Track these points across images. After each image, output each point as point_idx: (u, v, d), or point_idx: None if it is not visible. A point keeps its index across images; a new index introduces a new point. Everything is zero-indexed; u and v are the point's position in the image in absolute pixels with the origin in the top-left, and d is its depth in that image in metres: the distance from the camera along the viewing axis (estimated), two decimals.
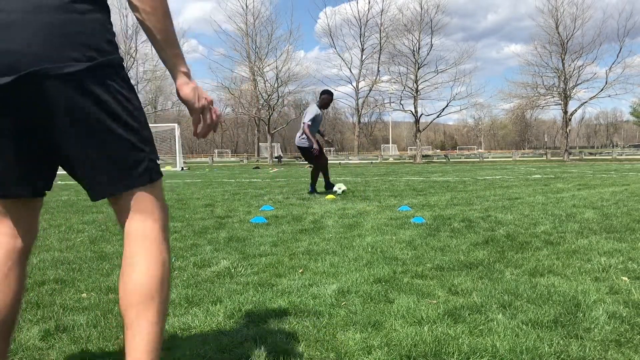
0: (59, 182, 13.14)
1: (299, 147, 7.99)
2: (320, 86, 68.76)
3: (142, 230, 1.26)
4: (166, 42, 1.26)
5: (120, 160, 1.22)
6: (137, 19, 1.25)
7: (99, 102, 1.16)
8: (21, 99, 1.10)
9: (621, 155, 45.49)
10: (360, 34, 48.79)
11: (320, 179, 9.20)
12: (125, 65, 1.28)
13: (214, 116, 1.34)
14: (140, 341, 1.19)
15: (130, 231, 1.26)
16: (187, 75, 1.30)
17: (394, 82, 42.86)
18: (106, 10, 1.23)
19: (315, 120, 7.79)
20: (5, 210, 1.28)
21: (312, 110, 7.84)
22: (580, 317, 2.13)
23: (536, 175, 13.69)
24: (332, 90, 8.25)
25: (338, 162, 36.32)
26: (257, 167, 27.57)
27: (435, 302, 2.39)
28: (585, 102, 39.85)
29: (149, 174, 1.28)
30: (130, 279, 1.22)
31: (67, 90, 1.12)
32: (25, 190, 1.27)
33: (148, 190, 1.28)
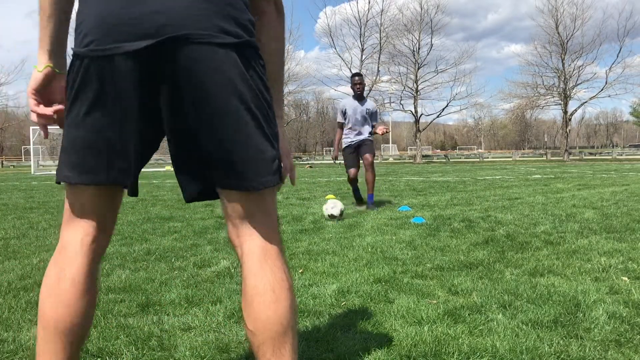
0: (59, 183, 13.13)
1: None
2: (320, 86, 68.66)
3: (263, 245, 1.12)
4: (278, 81, 1.23)
5: (258, 151, 1.08)
6: (271, 44, 1.19)
7: (245, 82, 1.05)
8: (158, 66, 1.01)
9: (621, 155, 45.50)
10: (360, 34, 48.74)
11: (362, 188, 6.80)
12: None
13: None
14: None
15: (252, 247, 1.12)
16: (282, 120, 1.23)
17: (394, 82, 42.86)
18: None
19: (346, 114, 6.49)
20: (94, 202, 1.15)
21: (341, 105, 6.69)
22: (580, 317, 2.13)
23: (536, 175, 13.69)
24: (358, 73, 6.74)
25: (338, 162, 36.13)
26: None
27: (435, 302, 2.39)
28: (585, 102, 39.90)
29: (279, 174, 1.14)
30: (260, 309, 1.08)
31: (212, 61, 1.02)
32: (125, 176, 1.12)
33: (274, 194, 1.16)
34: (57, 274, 1.12)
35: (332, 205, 5.12)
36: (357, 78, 6.46)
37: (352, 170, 6.36)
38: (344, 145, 6.50)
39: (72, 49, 1.09)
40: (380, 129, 6.39)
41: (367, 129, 6.47)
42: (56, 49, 1.14)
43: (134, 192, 1.14)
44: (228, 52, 1.03)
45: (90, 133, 1.08)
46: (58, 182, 1.17)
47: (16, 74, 72.28)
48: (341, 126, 6.58)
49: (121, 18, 1.01)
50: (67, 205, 1.17)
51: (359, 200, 6.46)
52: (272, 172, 1.11)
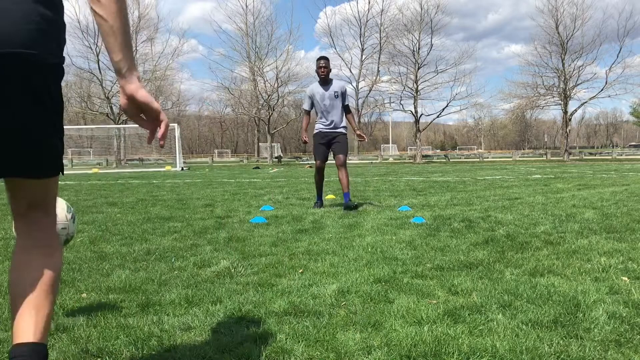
0: (59, 182, 13.12)
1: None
2: None
3: None
4: (125, 43, 1.24)
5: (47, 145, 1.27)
6: (97, 20, 1.24)
7: (49, 93, 1.23)
8: None
9: (621, 155, 45.50)
10: (360, 34, 48.76)
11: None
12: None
13: (164, 117, 1.30)
14: None
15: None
16: (139, 78, 1.28)
17: (394, 82, 42.86)
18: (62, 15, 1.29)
19: (312, 100, 6.37)
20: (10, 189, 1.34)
21: (308, 91, 6.49)
22: (580, 317, 2.13)
23: (536, 175, 13.69)
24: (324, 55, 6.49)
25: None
26: (257, 167, 27.56)
27: (435, 302, 2.39)
28: (585, 102, 39.88)
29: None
30: None
31: (39, 76, 1.18)
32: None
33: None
34: None
35: None
36: (322, 62, 6.23)
37: (319, 162, 6.30)
38: (315, 131, 6.39)
39: None
40: (359, 134, 6.47)
41: (338, 114, 6.29)
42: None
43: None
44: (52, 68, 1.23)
45: None
46: None
47: None
48: (307, 113, 6.47)
49: None
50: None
51: (320, 203, 6.38)
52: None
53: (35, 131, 1.23)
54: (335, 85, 6.31)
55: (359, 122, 52.23)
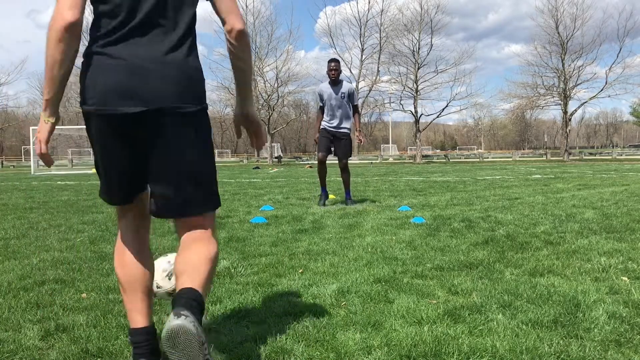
0: (59, 182, 13.11)
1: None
2: None
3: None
4: (249, 77, 1.68)
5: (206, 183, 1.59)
6: (233, 61, 1.61)
7: (197, 133, 1.54)
8: (144, 125, 1.46)
9: (621, 155, 45.51)
10: (360, 34, 48.72)
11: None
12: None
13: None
14: None
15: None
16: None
17: (394, 82, 42.84)
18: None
19: (322, 98, 6.56)
20: (128, 208, 1.68)
21: (318, 89, 6.70)
22: (580, 317, 2.13)
23: (536, 176, 13.69)
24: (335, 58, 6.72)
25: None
26: (257, 167, 27.56)
27: (435, 302, 2.39)
28: (585, 102, 39.86)
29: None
30: None
31: (181, 123, 1.49)
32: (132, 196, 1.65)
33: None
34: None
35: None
36: (333, 64, 6.45)
37: (321, 154, 6.46)
38: (320, 127, 6.58)
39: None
40: (358, 135, 6.67)
41: (344, 114, 6.50)
42: (58, 100, 1.53)
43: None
44: (193, 115, 1.52)
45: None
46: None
47: (16, 74, 72.38)
48: (321, 109, 6.61)
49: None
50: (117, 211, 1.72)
51: (324, 194, 6.61)
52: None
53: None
54: (344, 87, 6.52)
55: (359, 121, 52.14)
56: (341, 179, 6.64)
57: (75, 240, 4.17)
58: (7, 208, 6.98)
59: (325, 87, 6.52)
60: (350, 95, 6.54)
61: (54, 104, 1.51)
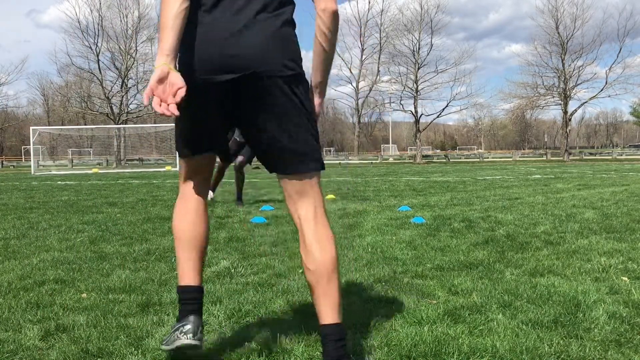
0: (59, 182, 13.11)
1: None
2: None
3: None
4: (329, 71, 1.71)
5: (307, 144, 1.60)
6: (320, 44, 1.62)
7: (295, 98, 1.56)
8: (242, 89, 1.52)
9: (621, 155, 45.50)
10: (360, 34, 48.80)
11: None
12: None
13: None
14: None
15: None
16: None
17: (394, 82, 42.91)
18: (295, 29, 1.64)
19: None
20: (200, 165, 1.76)
21: None
22: (580, 317, 2.13)
23: (536, 176, 13.69)
24: None
25: (338, 162, 36.38)
26: (257, 167, 27.54)
27: (435, 302, 2.39)
28: (585, 102, 39.93)
29: (321, 162, 1.65)
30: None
31: (278, 87, 1.52)
32: (217, 148, 1.74)
33: (319, 175, 1.66)
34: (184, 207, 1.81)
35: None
36: None
37: (241, 160, 6.55)
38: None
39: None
40: None
41: None
42: (173, 54, 1.51)
43: (227, 158, 1.79)
44: (289, 80, 1.54)
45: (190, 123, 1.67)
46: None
47: (16, 74, 72.29)
48: None
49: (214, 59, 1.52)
50: (182, 169, 1.79)
51: (239, 197, 6.66)
52: (317, 159, 1.62)
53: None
54: None
55: (359, 122, 52.22)
56: (235, 179, 6.71)
57: (76, 240, 4.17)
58: (7, 208, 6.98)
59: None
60: None
61: (164, 56, 1.46)
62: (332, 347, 1.53)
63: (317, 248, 1.58)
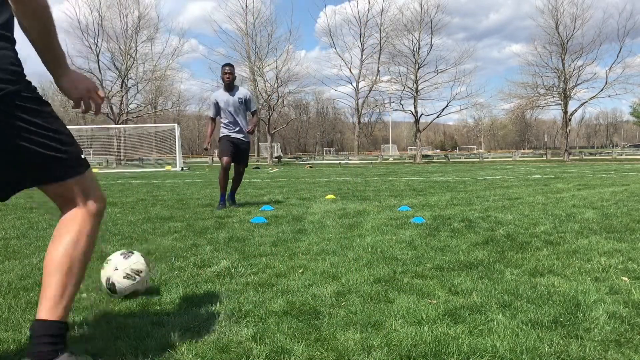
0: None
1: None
2: (320, 86, 68.75)
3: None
4: (48, 46, 1.51)
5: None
6: (27, 22, 1.44)
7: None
8: None
9: (621, 155, 45.47)
10: (360, 34, 48.78)
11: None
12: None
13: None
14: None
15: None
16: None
17: (394, 82, 42.87)
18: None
19: (217, 107, 6.52)
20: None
21: (212, 98, 6.67)
22: (580, 317, 2.13)
23: (536, 176, 13.69)
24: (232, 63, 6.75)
25: (338, 162, 36.37)
26: (257, 167, 27.55)
27: (435, 302, 2.39)
28: (585, 102, 39.85)
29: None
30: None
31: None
32: None
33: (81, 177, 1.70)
34: None
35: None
36: (227, 68, 6.44)
37: (225, 159, 6.40)
38: (220, 135, 6.55)
39: None
40: (249, 128, 6.57)
41: (243, 120, 6.50)
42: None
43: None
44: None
45: None
46: None
47: None
48: (212, 120, 6.62)
49: None
50: None
51: (224, 201, 6.46)
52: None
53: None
54: (240, 92, 6.51)
55: (359, 122, 52.23)
56: (233, 179, 6.61)
57: None
58: (7, 208, 6.98)
59: (221, 94, 6.48)
60: (247, 102, 6.53)
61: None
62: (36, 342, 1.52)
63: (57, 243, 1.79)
